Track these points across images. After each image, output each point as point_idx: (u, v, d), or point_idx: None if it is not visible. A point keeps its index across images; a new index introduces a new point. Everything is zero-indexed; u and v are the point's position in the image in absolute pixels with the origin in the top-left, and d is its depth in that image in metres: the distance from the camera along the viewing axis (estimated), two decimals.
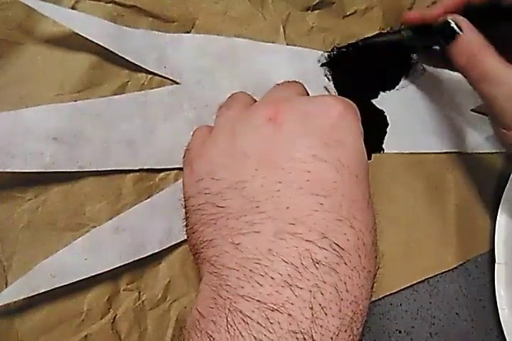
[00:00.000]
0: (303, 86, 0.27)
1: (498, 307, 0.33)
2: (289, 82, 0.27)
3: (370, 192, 0.23)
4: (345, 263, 0.20)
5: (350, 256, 0.20)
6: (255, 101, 0.27)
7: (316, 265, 0.19)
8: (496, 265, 0.34)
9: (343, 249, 0.20)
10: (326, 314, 0.18)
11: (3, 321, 0.24)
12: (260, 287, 0.19)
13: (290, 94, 0.25)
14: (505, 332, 0.33)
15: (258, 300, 0.19)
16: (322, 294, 0.19)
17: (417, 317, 0.33)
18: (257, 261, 0.20)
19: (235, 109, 0.25)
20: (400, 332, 0.32)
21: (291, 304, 0.18)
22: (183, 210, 0.25)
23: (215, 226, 0.22)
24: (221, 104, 0.27)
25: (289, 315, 0.18)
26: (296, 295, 0.19)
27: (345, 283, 0.19)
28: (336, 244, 0.20)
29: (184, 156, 0.26)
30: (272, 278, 0.19)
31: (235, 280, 0.20)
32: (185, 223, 0.25)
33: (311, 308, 0.18)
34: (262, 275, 0.19)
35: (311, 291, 0.19)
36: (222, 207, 0.22)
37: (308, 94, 0.27)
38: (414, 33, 0.30)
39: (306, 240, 0.20)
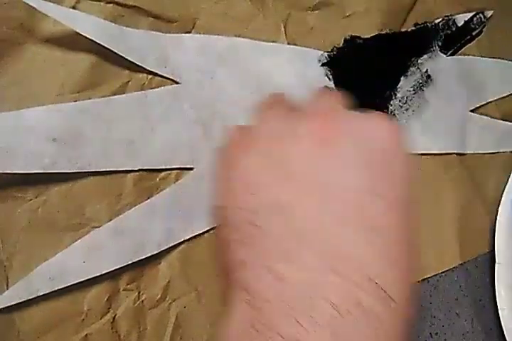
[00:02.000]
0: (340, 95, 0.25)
1: (498, 307, 0.33)
2: (326, 90, 0.26)
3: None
4: (391, 311, 0.18)
5: (396, 304, 0.18)
6: (297, 104, 0.25)
7: (361, 310, 0.18)
8: (496, 265, 0.33)
9: (389, 296, 0.18)
10: None
11: (4, 320, 0.24)
12: (299, 326, 0.17)
13: (335, 106, 0.23)
14: (505, 332, 0.33)
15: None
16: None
17: (417, 317, 0.33)
18: (298, 297, 0.18)
19: (278, 115, 0.23)
20: None
21: None
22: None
23: (250, 248, 0.20)
24: (260, 105, 0.25)
25: None
26: (337, 339, 0.17)
27: (388, 332, 0.18)
28: (383, 290, 0.18)
29: (217, 158, 0.24)
30: (315, 319, 0.17)
31: (273, 315, 0.18)
32: (215, 231, 0.23)
33: None
34: (302, 314, 0.18)
35: (352, 336, 0.17)
36: (259, 226, 0.20)
37: None
38: None
39: (353, 282, 0.18)
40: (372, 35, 0.32)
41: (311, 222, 0.19)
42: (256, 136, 0.22)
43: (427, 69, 0.33)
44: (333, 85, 0.31)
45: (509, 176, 0.34)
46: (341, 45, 0.31)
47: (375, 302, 0.18)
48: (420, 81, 0.33)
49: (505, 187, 0.34)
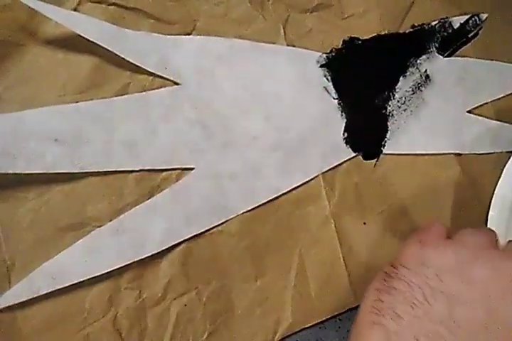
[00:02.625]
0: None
1: None
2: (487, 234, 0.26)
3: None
4: None
5: None
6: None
7: None
8: None
9: None
10: None
11: (7, 319, 0.24)
12: None
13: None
14: None
15: None
16: None
17: None
18: None
19: (469, 249, 0.24)
20: None
21: None
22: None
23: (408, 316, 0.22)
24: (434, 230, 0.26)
25: None
26: None
27: None
28: None
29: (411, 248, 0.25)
30: None
31: None
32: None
33: None
34: None
35: None
36: (426, 304, 0.22)
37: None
38: None
39: None
40: (371, 36, 0.32)
41: (469, 310, 0.22)
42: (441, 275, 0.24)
43: (425, 70, 0.34)
44: (332, 86, 0.31)
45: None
46: (340, 46, 0.32)
47: None
48: (419, 81, 0.33)
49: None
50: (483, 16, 0.35)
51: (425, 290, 0.22)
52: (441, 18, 0.35)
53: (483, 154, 0.36)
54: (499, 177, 0.34)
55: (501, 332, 0.21)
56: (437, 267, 0.23)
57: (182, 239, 0.27)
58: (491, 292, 0.22)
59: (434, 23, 0.34)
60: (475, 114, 0.36)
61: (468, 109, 0.35)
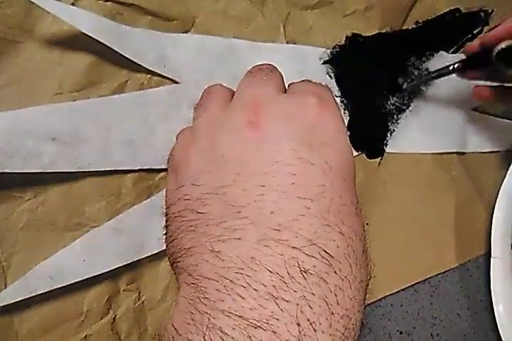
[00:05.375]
0: (279, 74, 0.25)
1: (493, 302, 0.33)
2: (264, 71, 0.25)
3: (358, 196, 0.22)
4: (336, 273, 0.18)
5: (341, 265, 0.18)
6: (233, 93, 0.25)
7: (304, 274, 0.18)
8: (492, 259, 0.33)
9: (332, 257, 0.18)
10: (314, 330, 0.17)
11: (3, 321, 0.24)
12: (242, 300, 0.17)
13: (269, 91, 0.23)
14: (499, 329, 0.32)
15: (240, 316, 0.17)
16: (310, 307, 0.17)
17: (418, 318, 0.33)
18: (238, 270, 0.18)
19: (212, 108, 0.24)
20: (400, 332, 0.32)
21: (277, 320, 0.17)
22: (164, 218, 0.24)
23: (194, 234, 0.20)
24: (197, 103, 0.26)
25: (274, 332, 0.16)
26: (281, 310, 0.17)
27: (335, 295, 0.18)
28: (325, 252, 0.18)
29: (168, 161, 0.25)
30: (256, 289, 0.17)
31: (215, 292, 0.18)
32: (164, 231, 0.23)
33: (298, 324, 0.17)
34: (244, 287, 0.17)
35: (298, 304, 0.17)
36: (202, 213, 0.20)
37: (283, 81, 0.25)
38: (471, 62, 0.29)
39: (293, 247, 0.18)
40: (373, 33, 0.32)
41: (246, 197, 0.20)
42: (196, 135, 0.23)
43: (427, 68, 0.33)
44: (334, 83, 0.31)
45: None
46: (343, 42, 0.31)
47: (317, 263, 0.18)
48: (421, 79, 0.33)
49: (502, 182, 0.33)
50: (489, 12, 0.35)
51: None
52: (446, 14, 0.34)
53: (487, 153, 0.35)
54: (504, 177, 0.34)
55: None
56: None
57: None
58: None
59: (438, 20, 0.34)
60: (480, 112, 0.35)
61: (473, 107, 0.35)
